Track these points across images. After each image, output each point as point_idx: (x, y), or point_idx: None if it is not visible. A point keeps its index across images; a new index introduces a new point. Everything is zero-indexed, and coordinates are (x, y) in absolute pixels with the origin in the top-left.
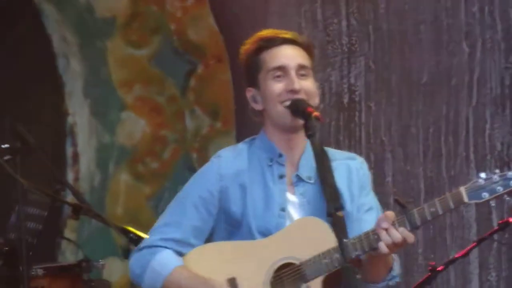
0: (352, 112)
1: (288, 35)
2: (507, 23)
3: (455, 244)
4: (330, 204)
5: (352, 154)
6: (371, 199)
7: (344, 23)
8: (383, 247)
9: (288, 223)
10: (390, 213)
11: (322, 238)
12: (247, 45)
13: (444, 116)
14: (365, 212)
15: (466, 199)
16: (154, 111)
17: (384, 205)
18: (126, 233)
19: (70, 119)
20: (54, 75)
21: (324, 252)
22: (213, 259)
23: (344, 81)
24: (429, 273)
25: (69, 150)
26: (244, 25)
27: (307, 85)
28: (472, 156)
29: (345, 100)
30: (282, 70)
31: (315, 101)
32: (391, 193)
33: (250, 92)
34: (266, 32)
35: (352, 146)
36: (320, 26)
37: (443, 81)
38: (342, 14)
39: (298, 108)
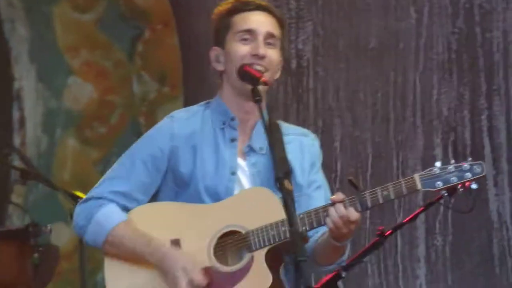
0: (300, 77)
1: (263, 2)
2: None
3: (402, 209)
4: (279, 169)
5: (305, 130)
6: (321, 177)
7: None
8: (329, 222)
9: (237, 188)
10: (341, 194)
11: (271, 210)
12: (221, 6)
13: (392, 81)
14: (315, 189)
15: (419, 187)
16: (101, 76)
17: (331, 170)
18: (75, 198)
19: (16, 84)
20: (1, 40)
21: (271, 223)
22: (160, 218)
23: (292, 46)
24: (377, 238)
25: (15, 115)
26: None
27: (272, 55)
28: (419, 121)
29: (293, 65)
30: (251, 33)
31: (276, 73)
32: (339, 158)
33: (214, 51)
34: None
35: (300, 111)
36: None
37: (391, 46)
38: None
39: (244, 72)
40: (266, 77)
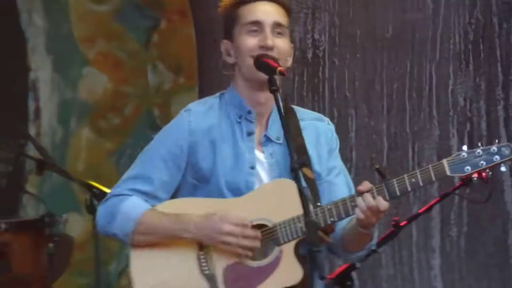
0: (316, 67)
1: None
2: None
3: (418, 200)
4: (294, 159)
5: (319, 115)
6: (340, 163)
7: None
8: (358, 213)
9: (257, 181)
10: (367, 183)
11: (296, 202)
12: None
13: (408, 72)
14: (336, 176)
15: (448, 172)
16: (116, 66)
17: (346, 160)
18: (90, 188)
19: (32, 74)
20: (17, 31)
21: (298, 216)
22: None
23: (308, 36)
24: (392, 228)
25: (31, 105)
26: None
27: (281, 44)
28: (435, 111)
29: (309, 56)
30: (258, 25)
31: (287, 61)
32: (354, 148)
33: (224, 45)
34: None
35: (316, 101)
36: None
37: (407, 36)
38: None
39: (262, 62)
40: (282, 67)
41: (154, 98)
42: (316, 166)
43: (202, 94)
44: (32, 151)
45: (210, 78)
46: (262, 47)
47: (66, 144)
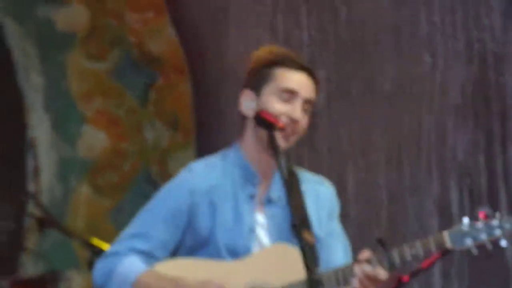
0: (313, 123)
1: (306, 63)
2: (468, 33)
3: None
4: (295, 216)
5: (320, 178)
6: (338, 226)
7: (305, 34)
8: (355, 282)
9: (255, 245)
10: (367, 252)
11: (297, 267)
12: (263, 53)
13: (406, 126)
14: (334, 240)
15: (448, 244)
16: (114, 124)
17: (344, 216)
18: (91, 245)
19: (30, 133)
20: (15, 88)
21: (300, 281)
22: (183, 275)
23: None
24: (396, 284)
25: (30, 164)
26: (204, 36)
27: (304, 121)
28: (434, 166)
29: None
30: (292, 94)
31: (297, 138)
32: (352, 203)
33: (247, 95)
34: (287, 51)
35: (314, 157)
36: (281, 37)
37: (405, 91)
38: (302, 25)
39: (261, 117)
40: (282, 122)
41: (152, 155)
42: (316, 229)
43: (199, 151)
44: (32, 208)
45: (206, 135)
46: (289, 117)
47: (65, 201)
